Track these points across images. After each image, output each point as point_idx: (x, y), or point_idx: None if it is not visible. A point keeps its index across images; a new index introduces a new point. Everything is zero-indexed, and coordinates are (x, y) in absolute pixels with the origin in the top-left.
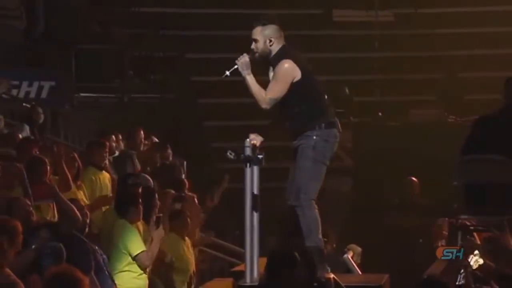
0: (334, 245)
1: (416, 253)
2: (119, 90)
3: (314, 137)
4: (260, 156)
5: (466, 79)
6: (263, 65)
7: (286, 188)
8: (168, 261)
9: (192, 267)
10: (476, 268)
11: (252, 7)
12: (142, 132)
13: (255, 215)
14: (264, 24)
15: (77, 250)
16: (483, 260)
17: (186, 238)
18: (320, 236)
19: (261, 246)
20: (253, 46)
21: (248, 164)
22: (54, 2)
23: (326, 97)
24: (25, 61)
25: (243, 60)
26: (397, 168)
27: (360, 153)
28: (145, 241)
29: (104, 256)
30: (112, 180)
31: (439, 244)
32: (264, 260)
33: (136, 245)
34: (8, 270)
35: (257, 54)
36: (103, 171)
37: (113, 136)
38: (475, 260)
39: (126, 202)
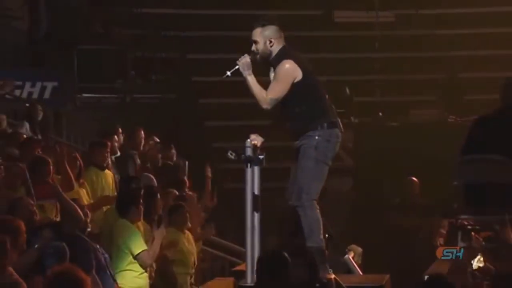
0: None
1: (416, 253)
2: (121, 91)
3: (316, 137)
4: (261, 157)
5: (466, 80)
6: (264, 66)
7: (288, 188)
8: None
9: (194, 259)
10: (476, 269)
11: (253, 8)
12: (142, 132)
13: (256, 215)
14: (263, 25)
15: (79, 250)
16: (484, 262)
17: (187, 231)
18: (322, 236)
19: (261, 246)
20: (253, 47)
21: (249, 165)
22: (56, 3)
23: (327, 97)
24: (28, 61)
25: (244, 61)
26: (397, 168)
27: (361, 153)
28: (146, 241)
29: (106, 256)
30: (115, 179)
31: (438, 242)
32: None
33: (137, 244)
34: (11, 270)
35: (258, 56)
36: (105, 171)
37: (115, 136)
38: (477, 261)
39: (128, 202)
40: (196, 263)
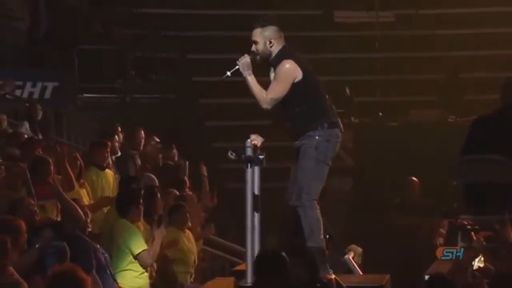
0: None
1: (416, 253)
2: (121, 91)
3: (317, 137)
4: (261, 157)
5: (466, 80)
6: (264, 66)
7: (288, 189)
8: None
9: (194, 258)
10: (476, 269)
11: (253, 8)
12: (142, 132)
13: (256, 215)
14: (263, 26)
15: (79, 250)
16: (484, 262)
17: (187, 231)
18: (322, 236)
19: (261, 246)
20: (253, 47)
21: (249, 165)
22: (56, 4)
23: (327, 97)
24: (28, 62)
25: (244, 61)
26: (397, 168)
27: (361, 153)
28: (146, 241)
29: (106, 255)
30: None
31: (438, 242)
32: None
33: (137, 244)
34: (11, 269)
35: (258, 57)
36: (106, 170)
37: (116, 136)
38: (478, 261)
39: (128, 202)
40: (196, 262)
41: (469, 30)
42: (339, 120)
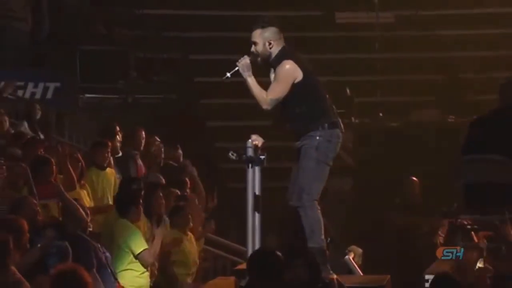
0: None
1: (416, 253)
2: (123, 91)
3: (317, 138)
4: (262, 157)
5: (466, 80)
6: (264, 67)
7: (288, 189)
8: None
9: (195, 259)
10: (476, 269)
11: (255, 8)
12: (143, 132)
13: (257, 215)
14: (263, 27)
15: (81, 249)
16: (484, 263)
17: (189, 233)
18: (323, 237)
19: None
20: (252, 48)
21: (250, 165)
22: (58, 5)
23: (327, 97)
24: (30, 62)
25: (244, 62)
26: (397, 168)
27: (361, 153)
28: (147, 240)
29: (107, 254)
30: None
31: (438, 241)
32: None
33: (138, 243)
34: (13, 269)
35: (259, 58)
36: (106, 170)
37: (117, 136)
38: (479, 261)
39: (128, 202)
40: (197, 262)
41: (469, 31)
42: (340, 120)
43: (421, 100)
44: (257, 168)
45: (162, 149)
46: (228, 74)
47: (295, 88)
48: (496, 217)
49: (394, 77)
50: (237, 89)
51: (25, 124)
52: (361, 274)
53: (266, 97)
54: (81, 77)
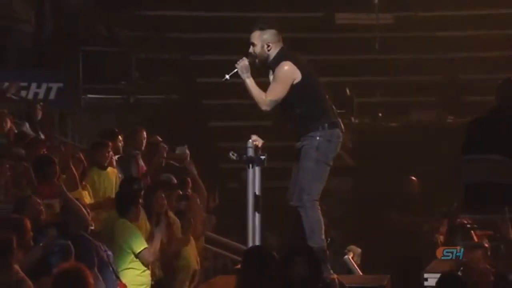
0: None
1: (416, 252)
2: (125, 92)
3: (318, 138)
4: (262, 157)
5: (465, 81)
6: (263, 68)
7: (289, 189)
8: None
9: (194, 265)
10: (476, 269)
11: (256, 10)
12: (144, 133)
13: (257, 214)
14: (262, 29)
15: (82, 248)
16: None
17: (191, 237)
18: (323, 237)
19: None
20: (250, 49)
21: (250, 165)
22: (61, 6)
23: (327, 97)
24: (33, 63)
25: (243, 64)
26: (397, 168)
27: (361, 153)
28: (147, 240)
29: (109, 253)
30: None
31: (438, 241)
32: None
33: (138, 242)
34: (17, 267)
35: (257, 60)
36: (108, 169)
37: (119, 137)
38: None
39: (128, 202)
40: (198, 262)
41: (468, 32)
42: (340, 120)
43: (421, 100)
44: (257, 168)
45: (163, 150)
46: (227, 76)
47: (295, 89)
48: (496, 217)
49: (393, 78)
50: (238, 90)
51: (26, 124)
52: (360, 273)
53: (265, 98)
54: (84, 78)
